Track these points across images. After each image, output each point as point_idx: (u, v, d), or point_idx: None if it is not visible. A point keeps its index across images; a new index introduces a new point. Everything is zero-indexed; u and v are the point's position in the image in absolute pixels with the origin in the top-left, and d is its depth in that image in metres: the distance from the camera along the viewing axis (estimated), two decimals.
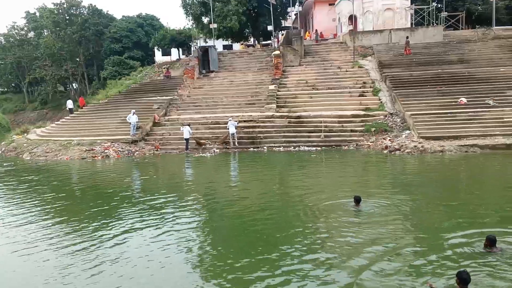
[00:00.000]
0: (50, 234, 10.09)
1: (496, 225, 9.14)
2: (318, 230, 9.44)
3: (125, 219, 10.99)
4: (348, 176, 16.03)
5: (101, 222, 10.89)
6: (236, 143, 23.30)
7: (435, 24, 35.34)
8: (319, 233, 9.28)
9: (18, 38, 64.35)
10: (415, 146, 19.58)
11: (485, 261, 7.26)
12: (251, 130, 24.25)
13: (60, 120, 32.45)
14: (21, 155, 25.10)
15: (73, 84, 63.92)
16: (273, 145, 22.95)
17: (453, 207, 10.80)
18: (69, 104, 34.99)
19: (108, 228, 10.33)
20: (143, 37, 54.40)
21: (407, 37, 30.51)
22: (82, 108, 31.94)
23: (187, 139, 23.22)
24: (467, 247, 7.89)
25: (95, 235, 9.83)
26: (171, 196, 13.45)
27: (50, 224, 10.90)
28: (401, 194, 12.15)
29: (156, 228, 10.10)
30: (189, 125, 23.68)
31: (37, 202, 13.41)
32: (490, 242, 7.48)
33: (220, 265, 7.87)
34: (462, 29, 36.76)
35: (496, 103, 22.01)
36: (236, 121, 23.75)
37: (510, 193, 12.17)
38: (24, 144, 26.83)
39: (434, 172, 15.90)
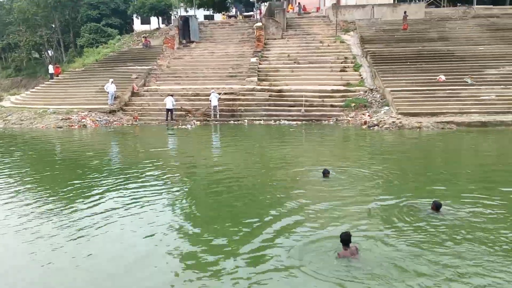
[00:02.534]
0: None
1: (456, 192, 9.85)
2: (277, 199, 9.64)
3: (92, 186, 11.00)
4: (325, 149, 16.24)
5: (66, 190, 10.70)
6: (218, 116, 23.15)
7: (417, 1, 35.31)
8: (276, 201, 9.47)
9: None
10: (393, 122, 19.83)
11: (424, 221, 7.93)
12: (231, 102, 24.08)
13: (35, 87, 31.59)
14: None
15: (49, 52, 61.89)
16: (254, 118, 22.90)
17: (418, 176, 11.42)
18: (51, 69, 34.05)
19: (71, 195, 10.23)
20: (121, 4, 52.64)
21: (405, 12, 30.18)
22: (57, 76, 31.07)
23: (168, 110, 22.88)
24: (415, 211, 8.47)
25: (56, 204, 9.58)
26: (148, 165, 13.20)
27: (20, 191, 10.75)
28: (374, 165, 12.47)
29: (122, 196, 10.11)
30: (172, 95, 23.32)
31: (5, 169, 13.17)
32: (436, 207, 8.21)
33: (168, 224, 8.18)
34: (443, 6, 36.84)
35: (474, 81, 22.34)
36: (219, 93, 23.52)
37: (477, 166, 12.70)
38: None
39: (408, 146, 16.29)
